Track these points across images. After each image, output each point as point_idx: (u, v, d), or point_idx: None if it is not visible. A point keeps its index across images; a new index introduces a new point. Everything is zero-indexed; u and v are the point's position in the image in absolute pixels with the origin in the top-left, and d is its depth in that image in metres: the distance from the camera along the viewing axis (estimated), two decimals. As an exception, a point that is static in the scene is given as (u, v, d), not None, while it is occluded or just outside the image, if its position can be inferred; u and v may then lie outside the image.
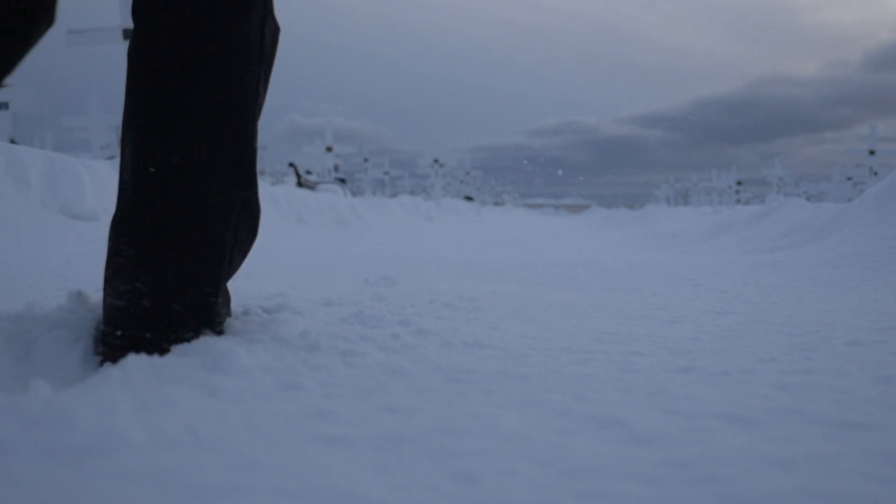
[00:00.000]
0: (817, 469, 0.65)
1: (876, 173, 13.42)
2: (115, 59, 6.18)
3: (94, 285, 1.61)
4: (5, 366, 1.04)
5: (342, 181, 12.18)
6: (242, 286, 1.81)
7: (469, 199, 24.60)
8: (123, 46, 6.02)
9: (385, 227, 7.73)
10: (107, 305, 1.12)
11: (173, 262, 1.11)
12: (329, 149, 14.24)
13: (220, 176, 1.15)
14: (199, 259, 1.13)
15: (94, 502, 0.57)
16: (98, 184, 3.70)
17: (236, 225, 1.18)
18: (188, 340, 1.10)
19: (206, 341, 1.06)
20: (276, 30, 1.23)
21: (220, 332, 1.17)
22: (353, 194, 11.33)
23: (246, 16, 1.15)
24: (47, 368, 1.07)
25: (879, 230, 2.97)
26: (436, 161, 21.27)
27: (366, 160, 22.30)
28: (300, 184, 10.38)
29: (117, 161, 4.26)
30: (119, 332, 1.10)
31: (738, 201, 22.87)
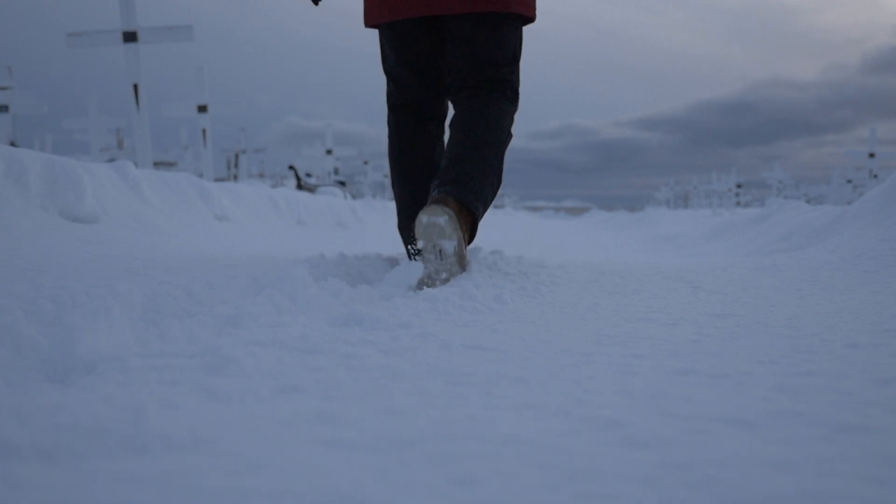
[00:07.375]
0: (817, 471, 0.65)
1: (876, 176, 13.41)
2: (115, 61, 6.18)
3: (95, 285, 1.61)
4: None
5: (342, 184, 12.17)
6: (246, 284, 1.81)
7: (469, 201, 24.46)
8: (123, 49, 6.02)
9: (385, 229, 7.73)
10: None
11: None
12: (329, 151, 14.24)
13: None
14: None
15: (93, 504, 0.57)
16: (98, 186, 3.69)
17: None
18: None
19: (206, 342, 1.06)
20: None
21: None
22: (354, 197, 11.32)
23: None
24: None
25: (879, 232, 2.97)
26: (436, 164, 21.17)
27: (366, 163, 22.29)
28: (300, 186, 10.37)
29: (117, 162, 4.26)
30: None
31: (738, 204, 22.85)
